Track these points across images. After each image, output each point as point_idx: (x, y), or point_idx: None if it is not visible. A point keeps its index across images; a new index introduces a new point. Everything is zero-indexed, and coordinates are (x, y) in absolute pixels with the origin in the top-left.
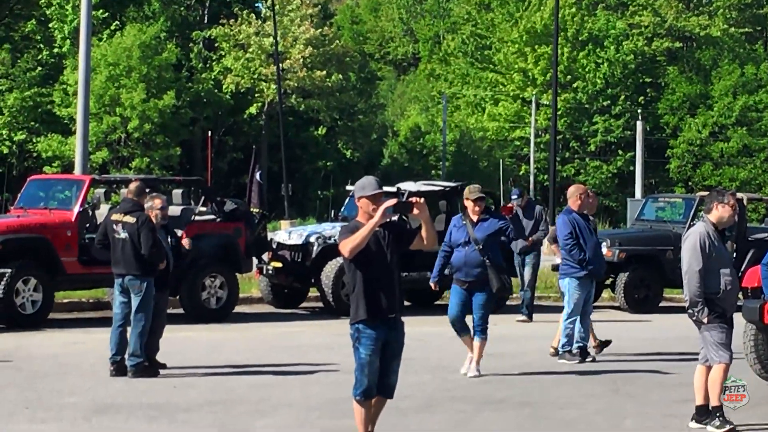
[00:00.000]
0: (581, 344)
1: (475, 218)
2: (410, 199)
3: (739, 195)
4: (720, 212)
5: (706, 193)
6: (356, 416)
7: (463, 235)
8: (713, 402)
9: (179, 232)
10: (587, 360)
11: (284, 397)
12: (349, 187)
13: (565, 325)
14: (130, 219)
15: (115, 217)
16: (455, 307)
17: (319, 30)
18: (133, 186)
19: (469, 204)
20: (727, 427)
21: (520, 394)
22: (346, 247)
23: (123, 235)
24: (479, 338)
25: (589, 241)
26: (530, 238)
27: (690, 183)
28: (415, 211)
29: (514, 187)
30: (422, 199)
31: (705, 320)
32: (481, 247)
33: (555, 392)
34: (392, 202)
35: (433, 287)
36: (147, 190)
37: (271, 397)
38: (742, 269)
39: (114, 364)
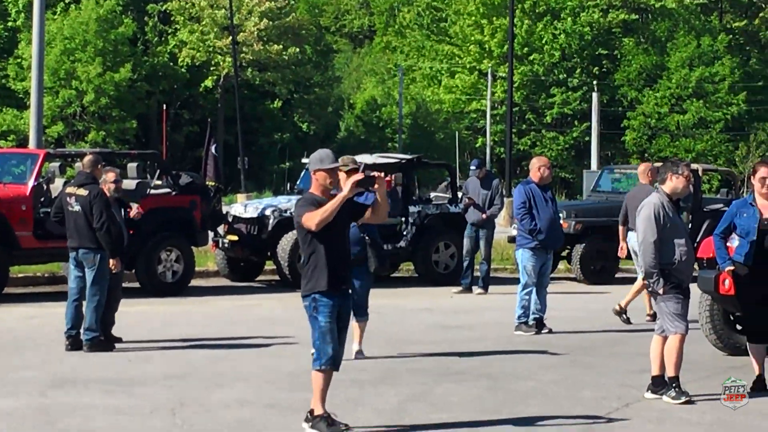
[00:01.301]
0: (537, 315)
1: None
2: (372, 174)
3: (695, 166)
4: (674, 183)
5: (660, 164)
6: (316, 388)
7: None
8: (669, 372)
9: (134, 206)
10: (543, 331)
11: (241, 370)
12: (305, 160)
13: (520, 296)
14: (83, 192)
15: (69, 190)
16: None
17: (275, 2)
18: (86, 159)
19: (342, 177)
20: (683, 399)
21: (478, 366)
22: (314, 219)
23: (76, 207)
24: (360, 319)
25: (544, 212)
26: (484, 214)
27: (646, 155)
28: (376, 185)
29: (473, 159)
30: (383, 174)
31: (661, 291)
32: (359, 223)
33: (512, 364)
34: (359, 176)
35: None
36: (101, 164)
37: (228, 370)
38: (698, 240)
39: (69, 339)
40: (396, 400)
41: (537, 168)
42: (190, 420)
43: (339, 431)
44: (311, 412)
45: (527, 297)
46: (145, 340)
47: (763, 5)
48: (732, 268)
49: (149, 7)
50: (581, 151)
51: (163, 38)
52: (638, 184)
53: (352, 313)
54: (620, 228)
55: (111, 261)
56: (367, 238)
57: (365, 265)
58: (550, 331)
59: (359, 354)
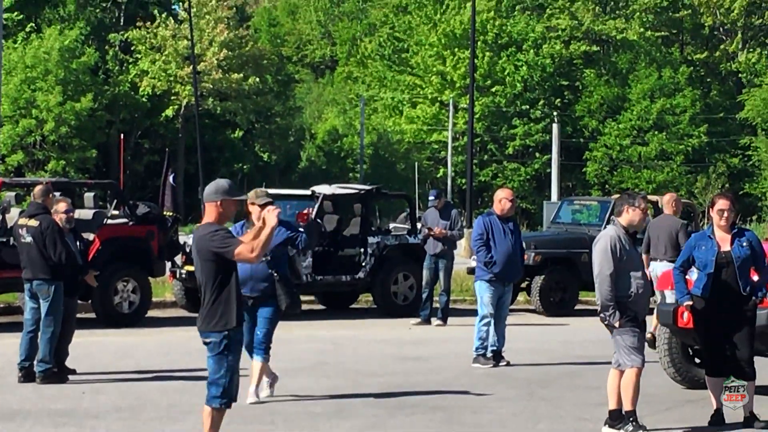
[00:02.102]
0: (495, 348)
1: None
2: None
3: (655, 198)
4: (630, 215)
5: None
6: (215, 426)
7: None
8: (626, 406)
9: (91, 236)
10: (501, 364)
11: (195, 403)
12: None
13: (478, 327)
14: (33, 222)
15: (20, 221)
16: (248, 334)
17: (235, 32)
18: (37, 189)
19: (254, 210)
20: None
21: (433, 398)
22: (255, 252)
23: (27, 239)
24: (262, 359)
25: (501, 245)
26: (441, 230)
27: (607, 186)
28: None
29: (432, 189)
30: (276, 211)
31: (617, 324)
32: (269, 258)
33: (469, 396)
34: (278, 210)
35: None
36: (54, 194)
37: (182, 402)
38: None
39: (22, 370)
40: None
41: (499, 200)
42: None
43: None
44: None
45: (485, 328)
46: (99, 372)
47: (724, 38)
48: (691, 302)
49: (110, 36)
50: (543, 182)
51: (124, 67)
52: (663, 214)
53: (252, 351)
54: (644, 257)
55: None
56: (275, 274)
57: (271, 302)
58: (508, 364)
59: (256, 396)
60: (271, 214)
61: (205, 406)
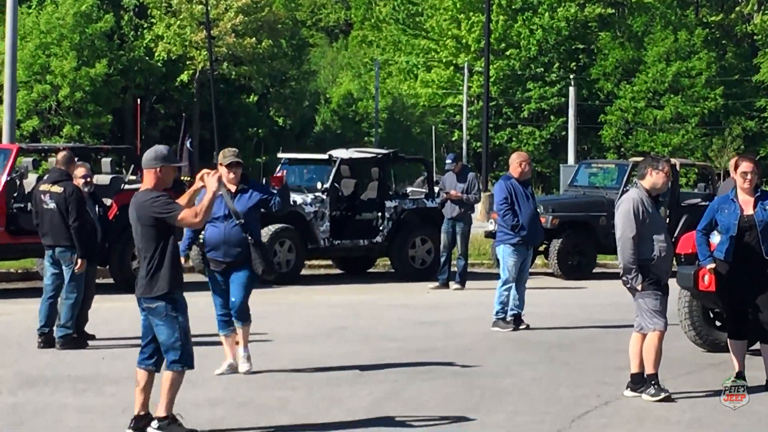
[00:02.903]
0: (515, 312)
1: (233, 188)
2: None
3: (672, 160)
4: (654, 178)
5: (639, 159)
6: (173, 390)
7: (221, 208)
8: (649, 370)
9: (108, 202)
10: (521, 328)
11: (214, 368)
12: (281, 155)
13: (499, 292)
14: (57, 189)
15: (43, 187)
16: (222, 307)
17: None
18: (60, 155)
19: (222, 170)
20: (662, 395)
21: (453, 364)
22: (199, 216)
23: (51, 205)
24: (242, 324)
25: (525, 208)
26: (457, 193)
27: (622, 149)
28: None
29: (448, 153)
30: (217, 175)
31: (639, 287)
32: (242, 221)
33: (489, 361)
34: (218, 173)
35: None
36: (75, 159)
37: (200, 367)
38: (675, 235)
39: (42, 336)
40: (371, 398)
41: (518, 163)
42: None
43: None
44: (160, 415)
45: (506, 293)
46: (118, 338)
47: (739, 0)
48: (713, 266)
49: (125, 1)
50: (558, 145)
51: (139, 32)
52: (730, 177)
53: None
54: None
55: (78, 261)
56: (250, 238)
57: (246, 266)
58: (528, 328)
59: (247, 366)
60: (212, 179)
61: (165, 372)
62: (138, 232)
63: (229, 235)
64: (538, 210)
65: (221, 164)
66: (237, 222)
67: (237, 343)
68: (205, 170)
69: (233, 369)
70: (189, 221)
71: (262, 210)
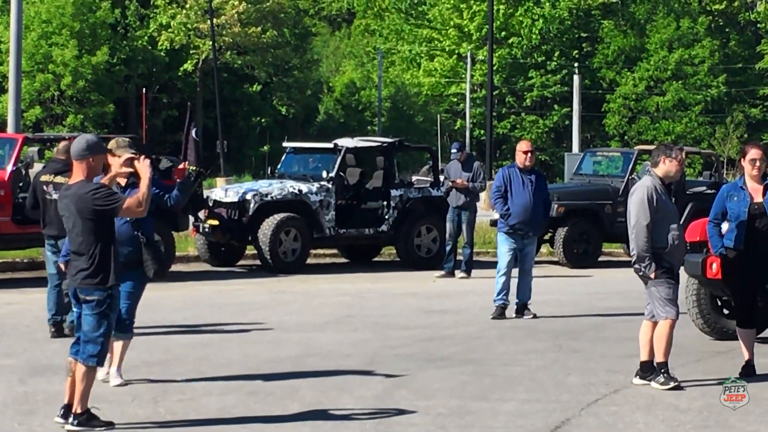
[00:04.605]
0: (518, 300)
1: (123, 182)
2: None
3: (689, 149)
4: (667, 166)
5: (644, 147)
6: (88, 385)
7: None
8: (659, 358)
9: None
10: (527, 317)
11: (222, 357)
12: (285, 144)
13: (496, 279)
14: (61, 179)
15: (44, 177)
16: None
17: None
18: (62, 145)
19: (114, 161)
20: (672, 384)
21: (463, 351)
22: (143, 205)
23: (55, 195)
24: (126, 337)
25: (519, 197)
26: (463, 182)
27: (626, 137)
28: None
29: (453, 142)
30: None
31: (652, 275)
32: (133, 219)
33: (498, 349)
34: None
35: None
36: None
37: (209, 356)
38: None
39: (54, 325)
40: (381, 386)
41: (519, 152)
42: (173, 408)
43: (110, 424)
44: (77, 411)
45: (501, 280)
46: None
47: None
48: (724, 253)
49: None
50: (561, 134)
51: (143, 22)
52: None
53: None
54: None
55: None
56: (142, 237)
57: (136, 271)
58: (534, 317)
59: (111, 378)
60: (145, 166)
61: (78, 364)
62: (77, 225)
63: (119, 233)
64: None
65: (114, 154)
66: (127, 220)
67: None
68: (128, 156)
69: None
70: (133, 210)
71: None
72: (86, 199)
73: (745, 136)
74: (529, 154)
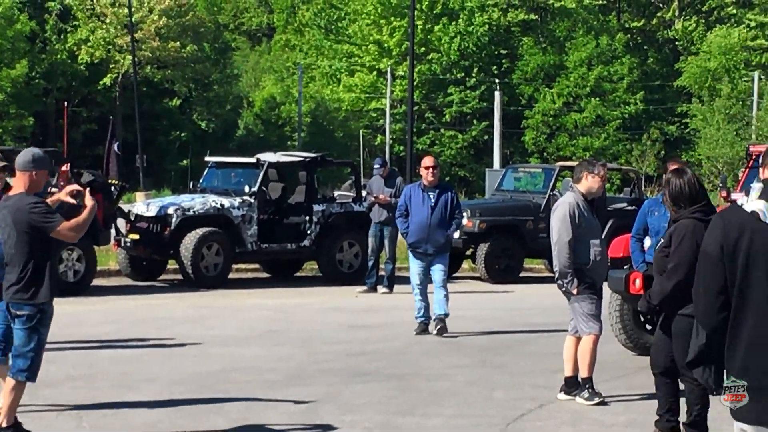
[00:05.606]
0: (437, 315)
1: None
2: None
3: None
4: (590, 182)
5: (565, 163)
6: (16, 399)
7: None
8: (583, 373)
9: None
10: (445, 335)
11: (147, 372)
12: (208, 158)
13: (414, 298)
14: None
15: None
16: None
17: (175, 0)
18: None
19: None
20: (597, 399)
21: (388, 366)
22: (76, 232)
23: None
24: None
25: (417, 215)
26: (385, 197)
27: (545, 153)
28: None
29: (376, 157)
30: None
31: (575, 291)
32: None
33: (423, 364)
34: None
35: None
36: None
37: (134, 371)
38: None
39: None
40: (307, 401)
41: (423, 167)
42: (98, 423)
43: None
44: (3, 425)
45: (416, 298)
46: (48, 342)
47: (661, 5)
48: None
49: (49, 4)
50: (480, 149)
51: (62, 36)
52: None
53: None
54: None
55: None
56: None
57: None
58: (444, 331)
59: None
60: (91, 199)
61: (8, 378)
62: (11, 237)
63: None
64: (465, 213)
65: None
66: None
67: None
68: (75, 187)
69: None
70: (64, 234)
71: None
72: (23, 212)
73: (662, 153)
74: (431, 169)
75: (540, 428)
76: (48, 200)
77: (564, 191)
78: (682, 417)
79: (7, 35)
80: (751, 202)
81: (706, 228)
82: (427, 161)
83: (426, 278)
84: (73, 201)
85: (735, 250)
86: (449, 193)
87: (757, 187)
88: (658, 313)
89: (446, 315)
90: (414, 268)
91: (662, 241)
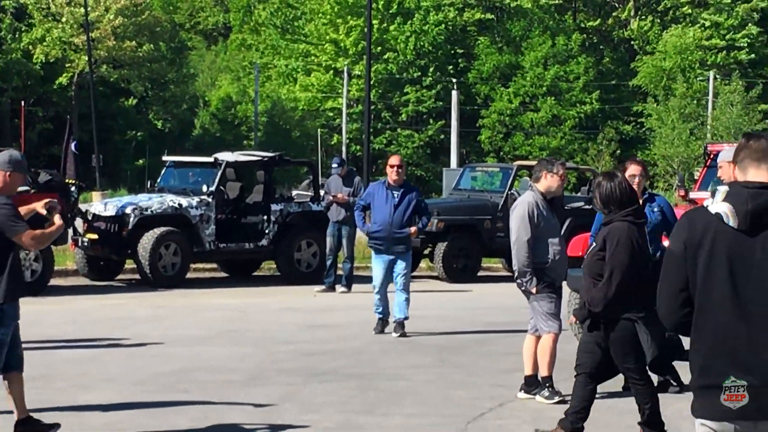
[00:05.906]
0: (396, 317)
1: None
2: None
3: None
4: (549, 181)
5: (523, 162)
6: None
7: None
8: (543, 372)
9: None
10: (394, 334)
11: (106, 371)
12: (165, 158)
13: (374, 296)
14: None
15: None
16: None
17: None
18: None
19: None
20: (556, 398)
21: (347, 366)
22: (37, 244)
23: None
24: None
25: (379, 213)
26: (342, 195)
27: (501, 153)
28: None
29: (334, 157)
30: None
31: (534, 290)
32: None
33: (382, 363)
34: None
35: None
36: None
37: (93, 371)
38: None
39: None
40: (267, 401)
41: (388, 166)
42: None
43: None
44: None
45: (375, 297)
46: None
47: (616, 5)
48: None
49: (4, 3)
50: (436, 149)
51: (17, 35)
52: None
53: None
54: None
55: None
56: None
57: None
58: (404, 335)
59: None
60: (60, 218)
61: None
62: None
63: None
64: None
65: None
66: None
67: None
68: (52, 201)
69: None
70: (25, 242)
71: None
72: None
73: (618, 152)
74: (396, 168)
75: (500, 427)
76: (21, 209)
77: (523, 190)
78: (632, 419)
79: None
80: (715, 204)
81: (639, 231)
82: (394, 160)
83: (387, 277)
84: (44, 212)
85: (698, 249)
86: (414, 193)
87: (722, 189)
88: (597, 322)
89: (406, 318)
90: (375, 265)
91: (594, 245)
